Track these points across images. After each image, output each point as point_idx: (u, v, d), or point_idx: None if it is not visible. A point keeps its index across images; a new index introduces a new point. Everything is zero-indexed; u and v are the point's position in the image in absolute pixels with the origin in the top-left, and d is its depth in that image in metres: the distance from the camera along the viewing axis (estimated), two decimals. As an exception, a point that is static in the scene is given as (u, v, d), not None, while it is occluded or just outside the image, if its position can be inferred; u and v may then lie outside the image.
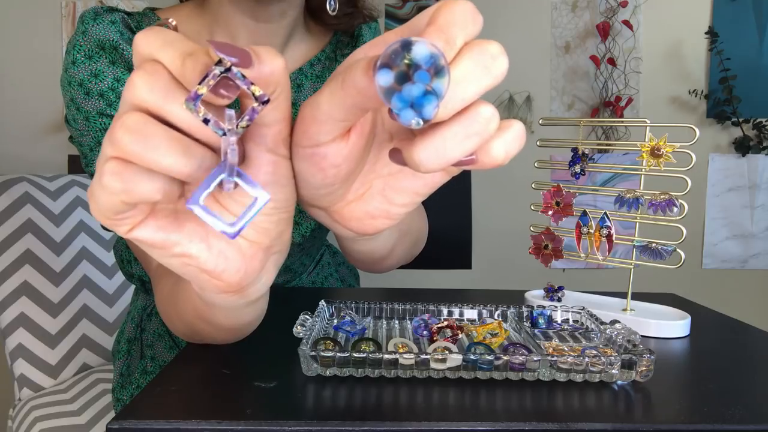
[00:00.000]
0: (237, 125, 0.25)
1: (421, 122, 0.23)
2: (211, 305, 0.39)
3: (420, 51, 0.22)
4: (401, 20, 1.72)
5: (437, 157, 0.25)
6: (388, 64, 0.22)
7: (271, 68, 0.26)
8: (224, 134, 0.25)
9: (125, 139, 0.24)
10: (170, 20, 0.29)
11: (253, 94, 0.25)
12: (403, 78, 0.22)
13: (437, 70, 0.22)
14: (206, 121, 0.24)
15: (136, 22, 0.69)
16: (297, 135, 0.30)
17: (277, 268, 0.35)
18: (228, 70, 0.24)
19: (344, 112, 0.27)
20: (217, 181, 0.26)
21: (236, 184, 0.26)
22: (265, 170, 0.30)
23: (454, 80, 0.23)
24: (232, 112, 0.25)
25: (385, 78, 0.22)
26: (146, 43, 0.25)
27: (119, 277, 1.25)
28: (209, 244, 0.30)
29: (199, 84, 0.24)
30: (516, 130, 0.27)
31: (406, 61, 0.22)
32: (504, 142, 0.26)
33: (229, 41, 0.73)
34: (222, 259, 0.31)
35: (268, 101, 0.25)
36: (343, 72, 0.26)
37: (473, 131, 0.25)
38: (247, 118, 0.25)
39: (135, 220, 0.28)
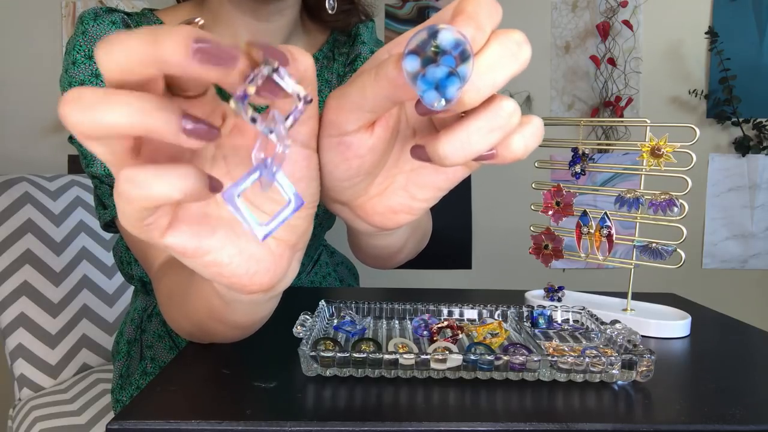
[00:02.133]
0: (284, 126, 0.25)
1: (443, 102, 0.23)
2: (232, 304, 0.38)
3: (446, 36, 0.23)
4: (401, 20, 1.72)
5: (461, 150, 0.26)
6: (415, 50, 0.23)
7: (305, 66, 0.26)
8: (271, 133, 0.25)
9: (65, 112, 0.22)
10: (197, 20, 0.28)
11: (298, 94, 0.25)
12: (430, 63, 0.23)
13: (462, 55, 0.23)
14: (253, 121, 0.24)
15: (135, 22, 0.69)
16: (323, 125, 0.31)
17: (299, 263, 0.35)
18: (276, 70, 0.24)
19: (373, 102, 0.27)
20: (256, 178, 0.25)
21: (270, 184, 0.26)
22: (301, 165, 0.30)
23: (485, 66, 0.24)
24: (276, 112, 0.25)
25: (412, 63, 0.23)
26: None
27: (119, 277, 1.25)
28: (240, 249, 0.30)
29: (248, 83, 0.23)
30: (535, 125, 0.27)
31: (433, 48, 0.23)
32: (523, 136, 0.27)
33: (230, 41, 0.73)
34: (253, 262, 0.31)
35: (311, 101, 0.26)
36: (376, 66, 0.26)
37: (497, 125, 0.25)
38: (292, 117, 0.26)
39: (162, 224, 0.27)
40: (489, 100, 0.26)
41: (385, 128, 0.31)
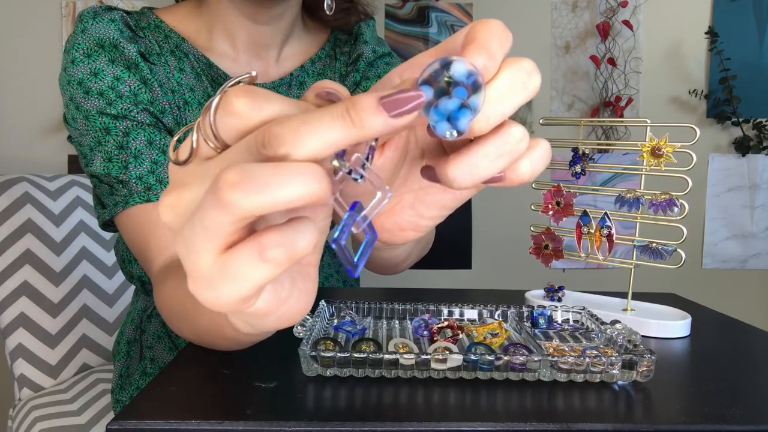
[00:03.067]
0: (365, 167, 0.26)
1: (455, 134, 0.24)
2: (251, 334, 0.38)
3: (459, 69, 0.23)
4: (401, 20, 1.72)
5: (470, 174, 0.26)
6: (428, 80, 0.24)
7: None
8: (361, 177, 0.25)
9: (237, 197, 0.21)
10: (253, 73, 0.28)
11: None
12: (442, 94, 0.23)
13: (474, 86, 0.23)
14: (350, 172, 0.25)
15: (134, 20, 0.69)
16: None
17: None
18: None
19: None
20: (352, 221, 0.26)
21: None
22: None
23: (496, 96, 0.25)
24: (360, 156, 0.25)
25: (426, 94, 0.23)
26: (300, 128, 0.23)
27: (119, 277, 1.25)
28: (300, 289, 0.29)
29: None
30: (543, 149, 0.28)
31: (446, 79, 0.23)
32: (531, 161, 0.27)
33: (227, 41, 0.73)
34: (304, 296, 0.29)
35: (377, 139, 0.26)
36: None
37: (505, 151, 0.26)
38: (370, 157, 0.26)
39: (261, 292, 0.25)
40: (498, 127, 0.26)
41: (395, 149, 0.31)
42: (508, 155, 0.26)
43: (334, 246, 0.25)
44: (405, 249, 0.51)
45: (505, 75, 0.25)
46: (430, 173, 0.28)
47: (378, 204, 0.26)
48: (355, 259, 0.27)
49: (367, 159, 0.26)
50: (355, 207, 0.26)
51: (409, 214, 0.35)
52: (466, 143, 0.27)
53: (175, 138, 0.27)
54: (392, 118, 0.22)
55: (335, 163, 0.25)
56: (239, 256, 0.22)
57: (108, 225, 0.69)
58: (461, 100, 0.23)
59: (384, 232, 0.36)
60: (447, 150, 0.32)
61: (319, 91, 0.26)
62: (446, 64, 0.23)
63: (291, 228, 0.23)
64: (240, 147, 0.24)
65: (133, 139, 0.64)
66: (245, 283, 0.23)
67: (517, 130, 0.26)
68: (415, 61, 0.29)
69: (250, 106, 0.24)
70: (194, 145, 0.26)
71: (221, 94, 0.24)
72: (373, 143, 0.26)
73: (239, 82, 0.26)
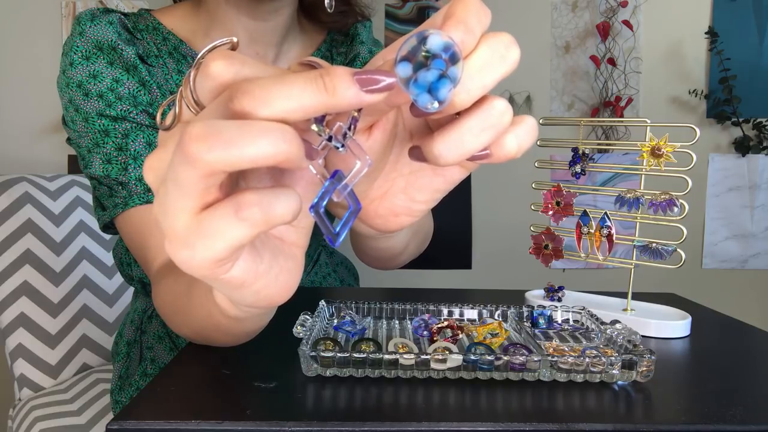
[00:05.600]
0: (346, 137, 0.26)
1: (437, 104, 0.24)
2: (242, 321, 0.38)
3: (435, 41, 0.23)
4: (401, 20, 1.72)
5: (455, 149, 0.26)
6: (407, 56, 0.24)
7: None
8: (342, 146, 0.26)
9: (202, 150, 0.21)
10: (234, 39, 0.28)
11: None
12: (420, 67, 0.24)
13: (452, 58, 0.24)
14: (330, 139, 0.25)
15: (132, 23, 0.69)
16: None
17: None
18: None
19: (369, 107, 0.28)
20: (333, 189, 0.26)
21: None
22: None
23: (475, 68, 0.25)
24: (342, 125, 0.26)
25: (405, 69, 0.24)
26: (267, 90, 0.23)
27: (119, 278, 1.25)
28: (281, 266, 0.29)
29: None
30: (528, 124, 0.28)
31: (424, 53, 0.23)
32: (516, 136, 0.27)
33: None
34: (288, 275, 0.30)
35: (361, 109, 0.26)
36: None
37: (488, 124, 0.26)
38: (353, 126, 0.26)
39: (238, 255, 0.25)
40: (481, 101, 0.26)
41: (383, 131, 0.31)
42: (492, 129, 0.26)
43: (312, 213, 0.25)
44: (401, 238, 0.50)
45: (483, 48, 0.25)
46: (417, 153, 0.29)
47: (358, 172, 0.26)
48: (337, 228, 0.27)
49: (349, 129, 0.26)
50: (336, 175, 0.26)
51: (401, 199, 0.35)
52: (450, 120, 0.27)
53: (163, 106, 0.28)
54: (365, 93, 0.23)
55: (314, 127, 0.24)
56: (215, 214, 0.23)
57: (108, 227, 0.69)
58: (440, 71, 0.23)
59: (378, 218, 0.36)
60: (433, 130, 0.32)
61: (303, 60, 0.26)
62: (423, 39, 0.24)
63: (271, 192, 0.23)
64: (212, 104, 0.24)
65: (132, 141, 0.64)
66: (220, 242, 0.23)
67: (500, 103, 0.26)
68: (397, 44, 0.29)
69: (227, 68, 0.24)
70: (177, 110, 0.26)
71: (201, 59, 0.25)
72: (356, 114, 0.26)
73: (215, 48, 0.26)
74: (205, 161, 0.21)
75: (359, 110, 0.26)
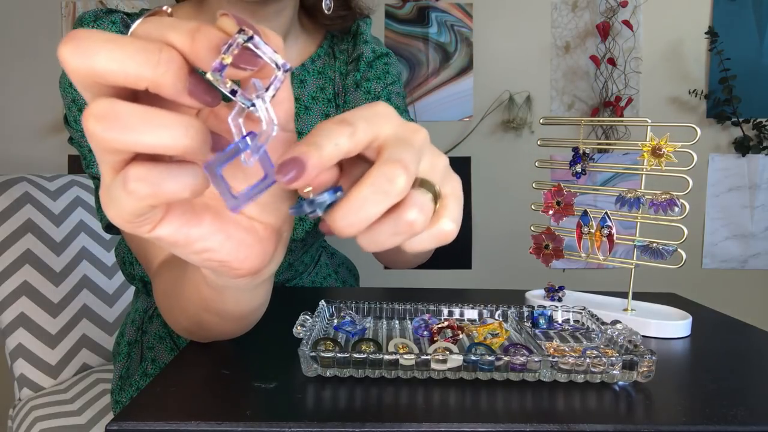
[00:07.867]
0: (264, 96, 0.25)
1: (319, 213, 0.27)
2: (222, 291, 0.39)
3: (321, 199, 0.26)
4: (401, 20, 1.71)
5: (355, 219, 0.26)
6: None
7: (276, 43, 0.26)
8: (252, 105, 0.25)
9: (97, 129, 0.22)
10: (165, 7, 0.28)
11: (275, 62, 0.25)
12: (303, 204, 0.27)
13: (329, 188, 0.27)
14: (233, 93, 0.24)
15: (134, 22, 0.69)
16: None
17: (285, 248, 0.35)
18: (251, 38, 0.24)
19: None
20: (239, 152, 0.25)
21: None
22: (281, 150, 0.30)
23: (357, 204, 0.26)
24: (258, 82, 0.25)
25: (296, 210, 0.28)
26: (146, 30, 0.24)
27: (119, 277, 1.25)
28: (228, 234, 0.30)
29: (224, 53, 0.23)
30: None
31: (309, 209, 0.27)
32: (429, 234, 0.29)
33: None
34: (243, 247, 0.31)
35: (289, 69, 0.25)
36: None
37: (382, 191, 0.26)
38: (273, 87, 0.25)
39: (156, 219, 0.27)
40: (372, 171, 0.26)
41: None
42: (386, 195, 0.26)
43: (206, 171, 0.25)
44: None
45: (365, 186, 0.26)
46: (323, 227, 0.29)
47: (266, 137, 0.25)
48: (243, 191, 0.26)
49: (267, 90, 0.25)
50: (249, 135, 0.25)
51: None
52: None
53: None
54: (189, 96, 0.23)
55: (209, 76, 0.23)
56: (113, 184, 0.24)
57: (111, 227, 0.69)
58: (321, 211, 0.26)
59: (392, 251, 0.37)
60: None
61: (235, 16, 0.25)
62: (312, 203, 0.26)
63: (165, 168, 0.23)
64: None
65: None
66: (121, 208, 0.24)
67: (392, 171, 0.26)
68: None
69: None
70: None
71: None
72: (279, 74, 0.25)
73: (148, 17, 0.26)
74: (101, 139, 0.22)
75: (284, 70, 0.25)
